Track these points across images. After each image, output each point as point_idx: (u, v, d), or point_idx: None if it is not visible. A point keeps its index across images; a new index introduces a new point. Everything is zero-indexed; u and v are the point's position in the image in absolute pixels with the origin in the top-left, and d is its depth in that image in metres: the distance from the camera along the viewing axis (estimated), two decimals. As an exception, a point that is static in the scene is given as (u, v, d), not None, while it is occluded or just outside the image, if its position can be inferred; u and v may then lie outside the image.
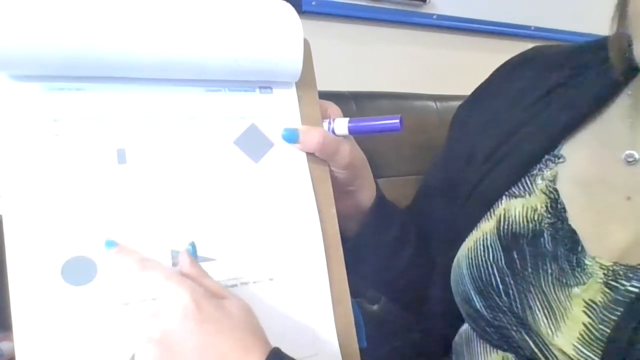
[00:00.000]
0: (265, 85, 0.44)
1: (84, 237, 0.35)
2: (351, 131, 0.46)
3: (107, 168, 0.37)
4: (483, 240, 0.48)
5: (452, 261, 0.52)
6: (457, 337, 0.57)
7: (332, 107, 0.48)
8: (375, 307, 0.90)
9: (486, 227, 0.49)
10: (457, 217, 0.53)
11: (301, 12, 0.98)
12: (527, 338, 0.45)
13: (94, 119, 0.38)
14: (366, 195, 0.52)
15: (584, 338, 0.40)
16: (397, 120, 0.44)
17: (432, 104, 1.06)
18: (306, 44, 0.43)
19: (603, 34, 0.53)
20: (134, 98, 0.39)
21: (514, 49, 1.34)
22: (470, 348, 0.53)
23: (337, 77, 1.05)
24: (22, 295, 0.33)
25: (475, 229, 0.50)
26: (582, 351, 0.40)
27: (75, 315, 0.34)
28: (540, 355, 0.44)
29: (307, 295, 0.41)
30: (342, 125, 0.46)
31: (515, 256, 0.46)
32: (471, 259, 0.48)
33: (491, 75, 0.57)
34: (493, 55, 1.30)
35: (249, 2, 0.41)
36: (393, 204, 0.56)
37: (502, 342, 0.48)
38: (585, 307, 0.41)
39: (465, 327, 0.55)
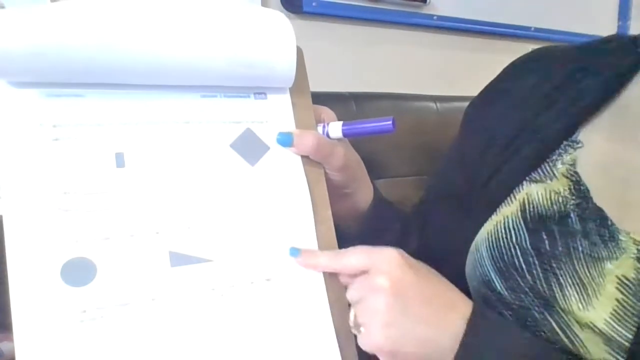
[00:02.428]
0: (260, 91, 0.45)
1: (84, 238, 0.36)
2: (345, 134, 0.46)
3: (105, 171, 0.37)
4: (505, 224, 0.48)
5: (465, 251, 0.52)
6: None
7: (326, 112, 0.49)
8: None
9: (507, 211, 0.49)
10: (474, 205, 0.53)
11: (302, 13, 0.99)
12: (550, 318, 0.45)
13: (92, 124, 0.38)
14: (363, 196, 0.52)
15: (617, 314, 0.41)
16: (390, 122, 0.45)
17: (432, 104, 1.06)
18: (299, 51, 0.44)
19: (603, 34, 0.54)
20: (132, 104, 0.40)
21: (514, 49, 1.35)
22: None
23: (338, 77, 1.05)
24: (22, 296, 0.33)
25: (495, 213, 0.50)
26: (614, 327, 0.41)
27: (75, 316, 0.34)
28: (561, 334, 0.44)
29: (304, 295, 0.41)
30: (336, 128, 0.47)
31: (544, 237, 0.46)
32: (492, 241, 0.48)
33: (499, 76, 0.58)
34: (493, 56, 1.31)
35: (243, 11, 0.42)
36: (392, 204, 0.56)
37: (519, 325, 0.48)
38: (618, 283, 0.42)
39: None
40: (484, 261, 0.49)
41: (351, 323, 0.41)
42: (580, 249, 0.44)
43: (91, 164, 0.37)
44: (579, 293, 0.43)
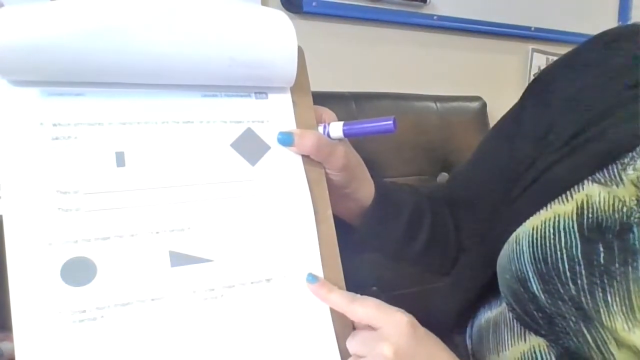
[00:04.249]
0: (261, 91, 0.45)
1: (83, 238, 0.36)
2: (346, 134, 0.46)
3: (106, 171, 0.37)
4: (555, 223, 0.44)
5: (500, 235, 0.49)
6: (483, 322, 0.56)
7: (327, 112, 0.49)
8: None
9: (560, 209, 0.45)
10: (522, 194, 0.50)
11: (302, 12, 0.99)
12: (586, 331, 0.43)
13: (93, 123, 0.38)
14: (365, 194, 0.52)
15: None
16: (391, 122, 0.45)
17: (432, 104, 1.06)
18: (300, 51, 0.44)
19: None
20: (132, 103, 0.40)
21: (514, 49, 1.34)
22: (497, 334, 0.52)
23: (338, 77, 1.05)
24: (21, 296, 0.33)
25: (545, 208, 0.46)
26: None
27: (75, 316, 0.34)
28: (595, 348, 0.42)
29: (304, 296, 0.41)
30: (337, 128, 0.47)
31: (601, 249, 0.42)
32: (536, 238, 0.45)
33: (581, 47, 0.52)
34: (493, 56, 1.31)
35: (244, 11, 0.41)
36: (400, 193, 0.55)
37: (547, 327, 0.46)
38: None
39: (493, 313, 0.54)
40: (523, 257, 0.45)
41: None
42: (639, 267, 0.40)
43: (91, 163, 0.37)
44: (626, 314, 0.40)
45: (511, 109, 0.58)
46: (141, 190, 0.38)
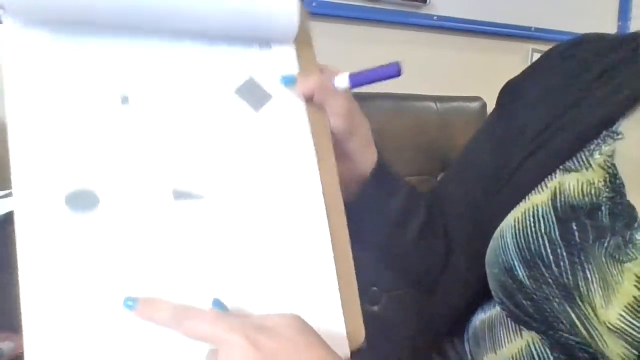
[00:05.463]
0: (264, 42, 0.45)
1: (87, 170, 0.37)
2: (352, 83, 0.46)
3: (110, 108, 0.38)
4: (533, 212, 0.47)
5: (487, 236, 0.51)
6: (478, 323, 0.57)
7: (331, 68, 0.48)
8: (375, 307, 0.90)
9: (537, 199, 0.48)
10: (500, 190, 0.52)
11: (302, 13, 0.99)
12: (570, 310, 0.44)
13: (99, 67, 0.39)
14: (366, 158, 0.51)
15: (632, 307, 0.40)
16: (396, 66, 0.45)
17: (432, 104, 1.06)
18: (301, 5, 0.44)
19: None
20: (138, 51, 0.41)
21: (514, 49, 1.35)
22: (493, 334, 0.53)
23: (338, 77, 1.06)
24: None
25: (524, 200, 0.49)
26: (626, 319, 0.40)
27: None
28: (580, 327, 0.44)
29: (307, 246, 0.41)
30: (343, 79, 0.46)
31: (575, 228, 0.45)
32: (519, 229, 0.47)
33: (541, 58, 0.57)
34: (493, 56, 1.31)
35: None
36: (398, 175, 0.56)
37: (537, 315, 0.48)
38: (636, 281, 0.41)
39: (487, 314, 0.55)
40: (509, 248, 0.48)
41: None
42: (605, 245, 0.43)
43: (96, 101, 0.38)
44: (602, 289, 0.42)
45: (485, 121, 0.61)
46: (145, 127, 0.39)
